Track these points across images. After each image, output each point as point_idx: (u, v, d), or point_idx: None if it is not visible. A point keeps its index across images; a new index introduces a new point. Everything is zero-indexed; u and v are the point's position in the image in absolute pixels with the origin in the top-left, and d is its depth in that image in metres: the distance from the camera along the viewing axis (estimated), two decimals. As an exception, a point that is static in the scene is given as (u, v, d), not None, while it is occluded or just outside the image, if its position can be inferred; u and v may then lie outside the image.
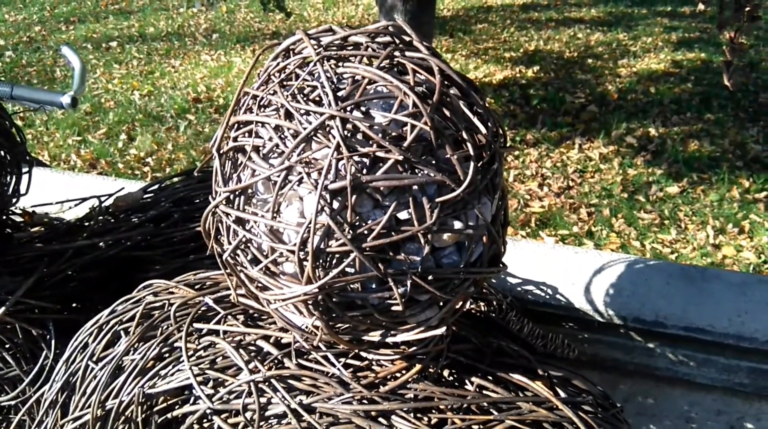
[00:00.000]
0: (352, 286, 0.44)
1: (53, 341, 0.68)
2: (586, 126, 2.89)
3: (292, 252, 0.43)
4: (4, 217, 0.75)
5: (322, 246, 0.42)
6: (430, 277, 0.44)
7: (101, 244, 0.73)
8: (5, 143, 0.67)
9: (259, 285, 0.47)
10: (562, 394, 0.54)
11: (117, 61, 4.03)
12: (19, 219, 0.78)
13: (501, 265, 0.49)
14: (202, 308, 0.56)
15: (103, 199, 0.79)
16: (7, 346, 0.68)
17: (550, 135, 2.82)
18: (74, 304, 0.72)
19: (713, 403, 0.81)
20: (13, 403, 0.67)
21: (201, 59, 3.97)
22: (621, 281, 0.79)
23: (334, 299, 0.44)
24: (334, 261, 0.43)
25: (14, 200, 0.70)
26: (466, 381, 0.53)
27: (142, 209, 0.77)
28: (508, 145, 0.49)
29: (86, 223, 0.76)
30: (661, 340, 0.78)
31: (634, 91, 3.23)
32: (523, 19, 4.57)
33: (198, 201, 0.79)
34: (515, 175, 2.52)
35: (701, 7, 1.38)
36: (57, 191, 0.95)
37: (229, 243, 0.47)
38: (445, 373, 0.54)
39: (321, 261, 0.43)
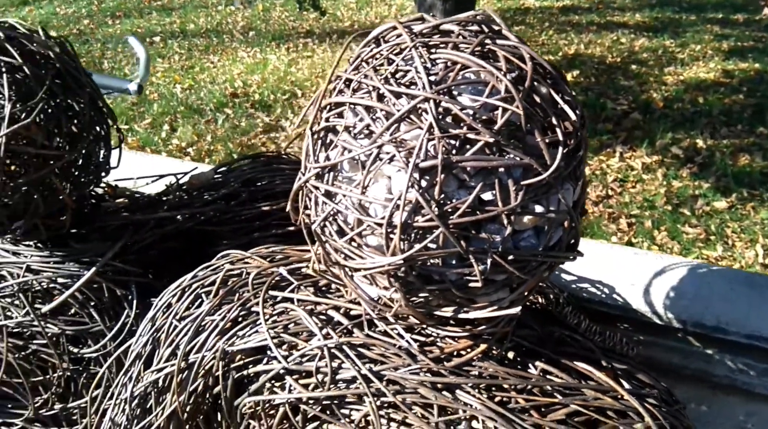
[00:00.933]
0: (432, 260, 0.47)
1: (135, 302, 0.74)
2: (628, 134, 2.86)
3: (380, 225, 0.46)
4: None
5: (409, 220, 0.45)
6: (510, 257, 0.46)
7: (179, 217, 0.79)
8: (102, 119, 0.74)
9: (343, 255, 0.50)
10: (627, 386, 0.55)
11: (160, 55, 4.20)
12: (102, 192, 0.84)
13: (577, 252, 0.51)
14: (276, 278, 0.60)
15: (179, 176, 0.85)
16: (92, 303, 0.75)
17: (589, 142, 2.78)
18: (150, 271, 0.78)
19: (771, 415, 0.80)
20: (94, 355, 0.74)
21: (238, 56, 4.11)
22: (682, 284, 0.80)
23: (414, 272, 0.47)
24: (418, 236, 0.46)
25: (107, 172, 0.77)
26: (530, 365, 0.55)
27: (214, 188, 0.83)
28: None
29: (164, 198, 0.82)
30: (720, 346, 0.79)
31: (681, 100, 3.18)
32: (562, 22, 4.53)
33: (261, 183, 0.85)
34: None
35: (766, 11, 1.34)
36: (132, 169, 1.02)
37: (317, 215, 0.50)
38: (509, 356, 0.56)
39: (406, 235, 0.46)
